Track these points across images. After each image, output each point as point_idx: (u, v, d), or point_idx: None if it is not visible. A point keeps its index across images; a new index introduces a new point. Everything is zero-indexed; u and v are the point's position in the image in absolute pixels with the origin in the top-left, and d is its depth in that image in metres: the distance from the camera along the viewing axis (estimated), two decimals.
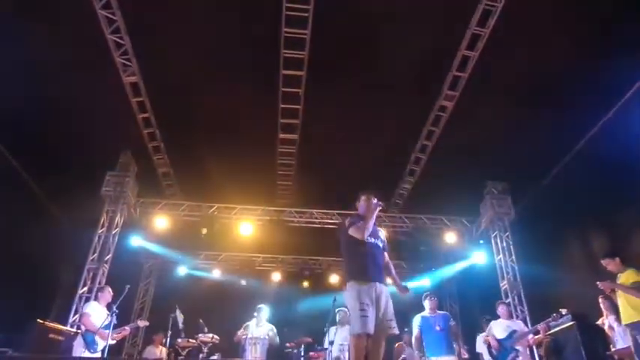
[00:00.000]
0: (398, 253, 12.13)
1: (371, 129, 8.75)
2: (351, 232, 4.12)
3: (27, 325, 5.38)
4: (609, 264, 5.65)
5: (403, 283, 4.35)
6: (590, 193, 7.97)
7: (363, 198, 4.39)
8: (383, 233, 4.42)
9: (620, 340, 5.90)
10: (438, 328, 6.33)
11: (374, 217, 4.14)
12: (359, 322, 3.70)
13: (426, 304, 6.65)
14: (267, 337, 7.22)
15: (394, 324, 3.83)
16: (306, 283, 12.41)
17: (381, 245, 4.26)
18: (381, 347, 3.78)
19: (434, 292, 7.01)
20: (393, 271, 4.35)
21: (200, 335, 7.04)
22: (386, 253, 4.37)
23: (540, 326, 6.70)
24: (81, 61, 7.27)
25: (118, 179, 9.49)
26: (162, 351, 8.05)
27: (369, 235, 4.13)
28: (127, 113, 8.51)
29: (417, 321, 6.54)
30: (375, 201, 4.26)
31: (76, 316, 7.98)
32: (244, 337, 7.18)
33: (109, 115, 8.44)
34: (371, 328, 3.69)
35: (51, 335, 5.53)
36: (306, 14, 6.98)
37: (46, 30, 6.66)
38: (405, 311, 10.87)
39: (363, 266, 4.00)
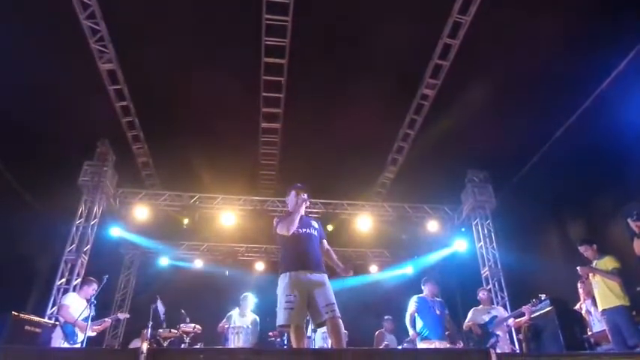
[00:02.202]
0: (381, 241, 12.23)
1: (353, 118, 8.70)
2: (278, 230, 4.17)
3: (1, 318, 5.25)
4: (587, 250, 5.75)
5: (343, 266, 4.31)
6: (568, 181, 8.10)
7: (292, 193, 4.38)
8: (316, 223, 4.42)
9: (598, 324, 6.03)
10: (438, 312, 6.35)
11: (300, 212, 4.17)
12: (282, 314, 3.77)
13: (427, 287, 6.62)
14: (249, 326, 7.19)
15: (334, 307, 3.81)
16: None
17: (315, 234, 4.28)
18: (337, 332, 3.77)
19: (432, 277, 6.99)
20: (334, 256, 4.36)
21: (182, 325, 6.99)
22: (325, 241, 4.39)
23: (525, 308, 6.76)
24: (56, 47, 7.05)
25: (95, 168, 9.29)
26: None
27: (300, 227, 4.17)
28: (105, 101, 8.30)
29: (414, 300, 6.49)
30: (303, 196, 4.29)
31: (54, 308, 7.84)
32: (227, 326, 7.14)
33: (85, 103, 8.21)
34: (296, 320, 3.74)
35: (27, 327, 5.42)
36: (287, 1, 6.87)
37: (20, 15, 6.43)
38: (388, 298, 10.99)
39: (291, 257, 4.06)
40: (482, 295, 7.22)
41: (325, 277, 4.03)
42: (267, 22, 7.14)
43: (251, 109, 8.78)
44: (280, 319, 3.79)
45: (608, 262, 5.50)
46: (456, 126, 8.57)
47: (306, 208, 4.39)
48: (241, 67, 7.90)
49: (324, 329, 6.61)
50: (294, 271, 3.93)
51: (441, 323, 6.28)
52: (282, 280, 3.95)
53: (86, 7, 6.85)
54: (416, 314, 6.34)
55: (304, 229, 4.21)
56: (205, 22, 7.12)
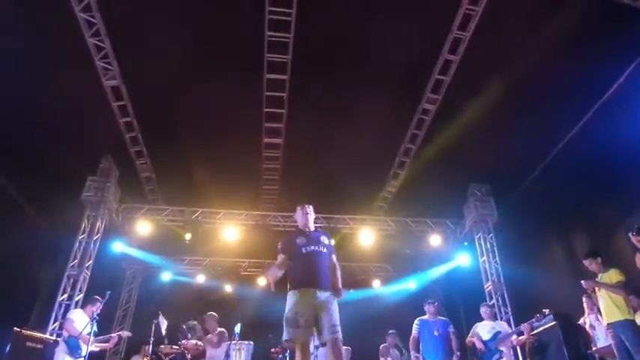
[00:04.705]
0: (383, 256, 12.18)
1: (355, 132, 8.76)
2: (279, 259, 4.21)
3: (2, 333, 5.23)
4: (591, 264, 5.68)
5: (342, 289, 4.29)
6: (570, 193, 8.10)
7: (297, 208, 4.50)
8: (326, 238, 4.39)
9: (602, 339, 5.96)
10: (436, 333, 6.51)
11: (275, 275, 4.17)
12: (287, 330, 3.79)
13: (428, 308, 6.84)
14: (251, 343, 7.15)
15: (338, 329, 3.82)
16: None
17: (325, 250, 4.25)
18: (338, 354, 3.76)
19: (434, 299, 7.20)
20: (338, 273, 4.32)
21: (183, 342, 6.94)
22: (333, 256, 4.36)
23: (524, 327, 6.78)
24: (61, 64, 7.15)
25: (99, 184, 9.33)
26: None
27: (309, 245, 4.18)
28: (109, 117, 8.38)
29: (415, 323, 6.73)
30: (306, 208, 4.40)
31: (56, 323, 7.82)
32: (228, 343, 7.09)
33: (89, 119, 8.30)
34: (299, 337, 3.75)
35: (28, 344, 5.39)
36: (289, 18, 6.97)
37: (26, 31, 6.54)
38: (391, 313, 10.91)
39: (300, 275, 4.06)
40: (484, 310, 7.17)
41: (333, 296, 4.04)
42: (269, 38, 7.24)
43: (253, 125, 8.84)
44: (285, 334, 3.79)
45: (612, 275, 5.42)
46: (457, 140, 8.61)
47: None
48: (243, 83, 7.98)
49: None
50: (303, 289, 3.94)
51: (440, 343, 6.43)
52: (291, 297, 3.95)
53: (91, 25, 6.96)
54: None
55: (313, 247, 4.18)
56: (208, 39, 7.22)
